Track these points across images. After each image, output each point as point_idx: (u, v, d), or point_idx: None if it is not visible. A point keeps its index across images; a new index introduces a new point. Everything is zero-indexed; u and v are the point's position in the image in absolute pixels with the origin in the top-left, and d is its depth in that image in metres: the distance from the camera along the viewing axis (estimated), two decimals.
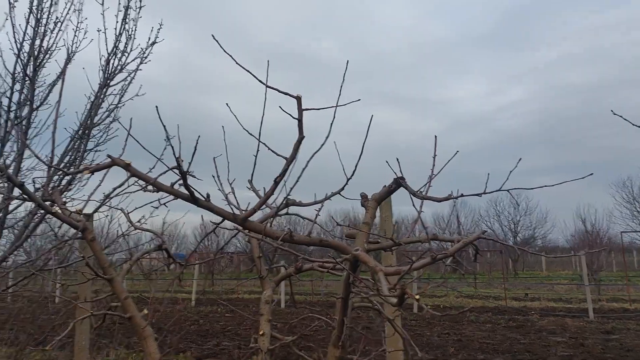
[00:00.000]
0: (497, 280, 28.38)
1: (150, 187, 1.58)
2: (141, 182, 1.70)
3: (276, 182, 1.79)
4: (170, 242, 2.41)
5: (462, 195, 1.76)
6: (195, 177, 1.49)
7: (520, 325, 12.98)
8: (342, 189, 2.14)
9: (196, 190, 1.54)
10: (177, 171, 1.46)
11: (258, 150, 1.89)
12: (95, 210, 2.38)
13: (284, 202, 2.19)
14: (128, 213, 2.65)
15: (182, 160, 1.39)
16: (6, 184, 2.85)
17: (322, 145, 1.98)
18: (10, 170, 3.08)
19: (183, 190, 1.52)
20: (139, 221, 2.79)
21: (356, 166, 2.13)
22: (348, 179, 2.07)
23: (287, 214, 2.21)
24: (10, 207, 3.01)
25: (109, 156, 1.53)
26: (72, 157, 3.58)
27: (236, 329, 12.26)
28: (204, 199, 1.60)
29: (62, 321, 6.08)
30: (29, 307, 5.71)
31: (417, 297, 1.23)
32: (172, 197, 1.59)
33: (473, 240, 1.44)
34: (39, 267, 5.03)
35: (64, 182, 3.18)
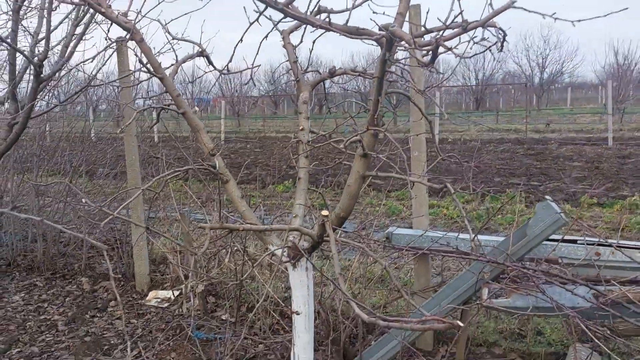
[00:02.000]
0: (520, 116, 28.29)
1: None
2: None
3: None
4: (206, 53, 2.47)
5: None
6: None
7: (538, 152, 13.39)
8: None
9: None
10: None
11: None
12: (140, 15, 2.49)
13: (317, 7, 2.26)
14: (166, 24, 2.75)
15: None
16: None
17: None
18: None
19: None
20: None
21: None
22: None
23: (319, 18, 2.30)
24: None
25: None
26: None
27: (266, 161, 12.99)
28: None
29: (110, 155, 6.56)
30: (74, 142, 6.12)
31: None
32: None
33: (503, 10, 1.53)
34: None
35: None
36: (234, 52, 2.66)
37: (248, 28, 2.17)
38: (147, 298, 4.41)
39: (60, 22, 3.37)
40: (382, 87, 1.84)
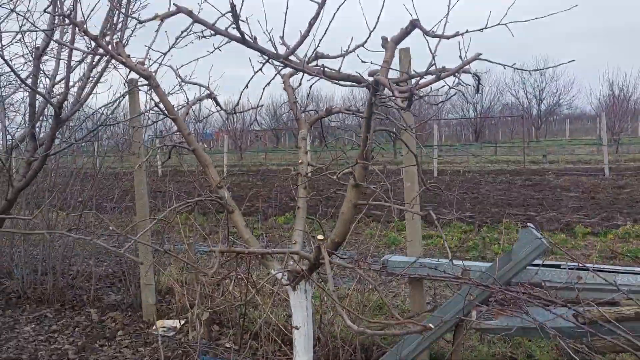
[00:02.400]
0: (519, 147, 28.64)
1: (207, 33, 1.92)
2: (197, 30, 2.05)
3: (310, 24, 2.12)
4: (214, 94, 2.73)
5: (466, 32, 2.06)
6: (244, 21, 1.81)
7: (536, 183, 13.62)
8: (366, 41, 2.46)
9: (246, 34, 1.88)
10: (230, 16, 1.79)
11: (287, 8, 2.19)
12: (157, 63, 2.76)
13: (314, 54, 2.53)
14: (177, 69, 3.03)
15: (235, 5, 1.71)
16: (71, 33, 3.19)
17: None
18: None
19: (235, 32, 1.86)
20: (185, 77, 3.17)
21: (378, 18, 2.42)
22: (371, 32, 2.38)
23: (316, 65, 2.57)
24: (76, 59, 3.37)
25: (175, 5, 1.86)
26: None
27: (268, 193, 13.22)
28: (252, 41, 1.95)
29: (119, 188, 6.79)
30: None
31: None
32: (225, 40, 1.94)
33: (471, 61, 1.79)
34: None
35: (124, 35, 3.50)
36: (240, 97, 2.90)
37: (252, 77, 2.42)
38: (154, 327, 4.56)
39: (77, 65, 3.66)
40: (371, 126, 2.09)
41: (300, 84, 3.05)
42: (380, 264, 3.49)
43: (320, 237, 1.96)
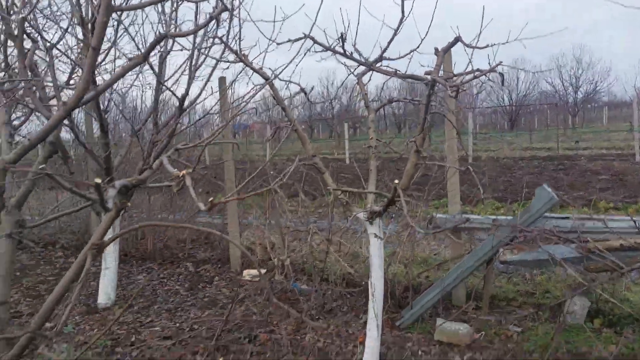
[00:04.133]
0: (553, 135, 28.82)
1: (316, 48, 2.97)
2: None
3: (392, 38, 3.12)
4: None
5: (494, 45, 3.03)
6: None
7: (567, 168, 14.24)
8: (418, 47, 3.46)
9: (346, 50, 2.92)
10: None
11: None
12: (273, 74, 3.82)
13: (380, 57, 3.54)
14: (279, 73, 4.07)
15: (344, 34, 2.74)
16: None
17: None
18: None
19: (340, 50, 2.89)
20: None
21: (429, 28, 3.41)
22: (422, 39, 3.38)
23: (381, 66, 3.58)
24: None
25: (303, 33, 2.90)
26: None
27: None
28: (349, 55, 2.98)
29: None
30: None
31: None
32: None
33: (494, 68, 2.75)
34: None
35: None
36: (311, 89, 3.92)
37: (346, 78, 3.43)
38: (243, 275, 5.70)
39: (197, 68, 4.72)
40: (428, 110, 3.08)
41: (370, 80, 4.06)
42: (428, 218, 4.49)
43: (396, 181, 2.97)
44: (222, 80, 5.67)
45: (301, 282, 5.34)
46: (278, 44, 3.26)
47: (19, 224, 2.04)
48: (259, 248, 6.12)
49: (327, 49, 2.89)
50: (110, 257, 4.80)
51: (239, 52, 3.35)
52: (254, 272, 5.72)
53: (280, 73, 3.91)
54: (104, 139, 4.32)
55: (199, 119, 5.58)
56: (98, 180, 1.61)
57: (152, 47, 2.15)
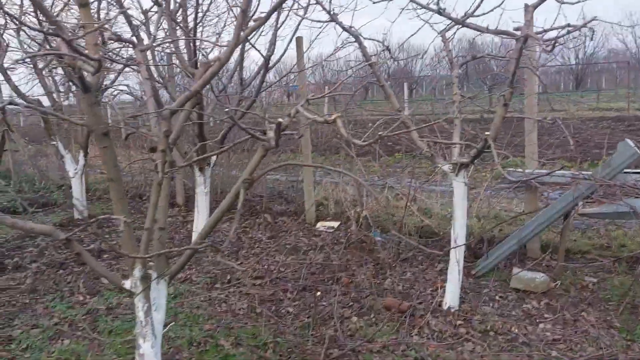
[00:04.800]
0: (623, 95, 27.29)
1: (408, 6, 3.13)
2: None
3: None
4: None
5: None
6: None
7: (639, 129, 13.64)
8: (502, 2, 3.54)
9: (440, 7, 3.06)
10: None
11: None
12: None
13: (466, 14, 3.64)
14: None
15: None
16: None
17: None
18: None
19: (434, 7, 3.04)
20: None
21: None
22: None
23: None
24: None
25: None
26: None
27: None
28: (443, 12, 3.12)
29: None
30: None
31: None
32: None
33: (588, 22, 2.82)
34: None
35: None
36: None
37: (432, 40, 3.58)
38: (317, 226, 6.07)
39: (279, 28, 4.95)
40: (518, 64, 3.20)
41: (453, 36, 4.16)
42: (507, 173, 4.62)
43: (487, 133, 3.15)
44: (299, 40, 5.88)
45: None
46: (374, 2, 3.43)
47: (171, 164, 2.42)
48: (332, 202, 6.46)
49: (422, 6, 3.05)
50: (202, 204, 5.25)
51: (330, 11, 3.55)
52: (328, 224, 6.06)
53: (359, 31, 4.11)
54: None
55: (283, 77, 5.86)
56: (281, 120, 1.92)
57: (275, 8, 2.39)
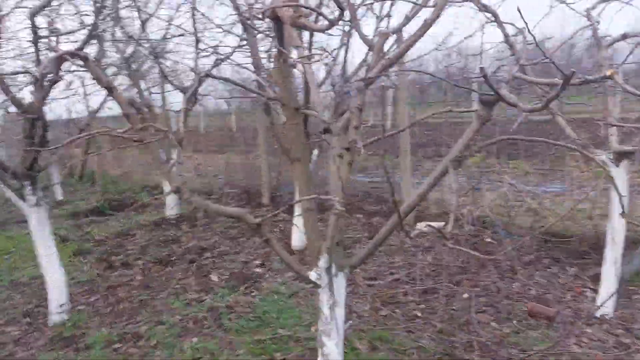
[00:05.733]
0: None
1: None
2: None
3: None
4: None
5: None
6: None
7: None
8: None
9: None
10: None
11: None
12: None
13: None
14: None
15: None
16: None
17: None
18: None
19: None
20: None
21: None
22: None
23: None
24: None
25: None
26: None
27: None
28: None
29: None
30: None
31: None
32: None
33: None
34: None
35: None
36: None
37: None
38: (417, 226, 5.76)
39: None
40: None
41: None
42: None
43: None
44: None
45: (485, 235, 5.27)
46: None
47: None
48: (431, 203, 6.15)
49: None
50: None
51: None
52: (431, 224, 5.74)
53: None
54: None
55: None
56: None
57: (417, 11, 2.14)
